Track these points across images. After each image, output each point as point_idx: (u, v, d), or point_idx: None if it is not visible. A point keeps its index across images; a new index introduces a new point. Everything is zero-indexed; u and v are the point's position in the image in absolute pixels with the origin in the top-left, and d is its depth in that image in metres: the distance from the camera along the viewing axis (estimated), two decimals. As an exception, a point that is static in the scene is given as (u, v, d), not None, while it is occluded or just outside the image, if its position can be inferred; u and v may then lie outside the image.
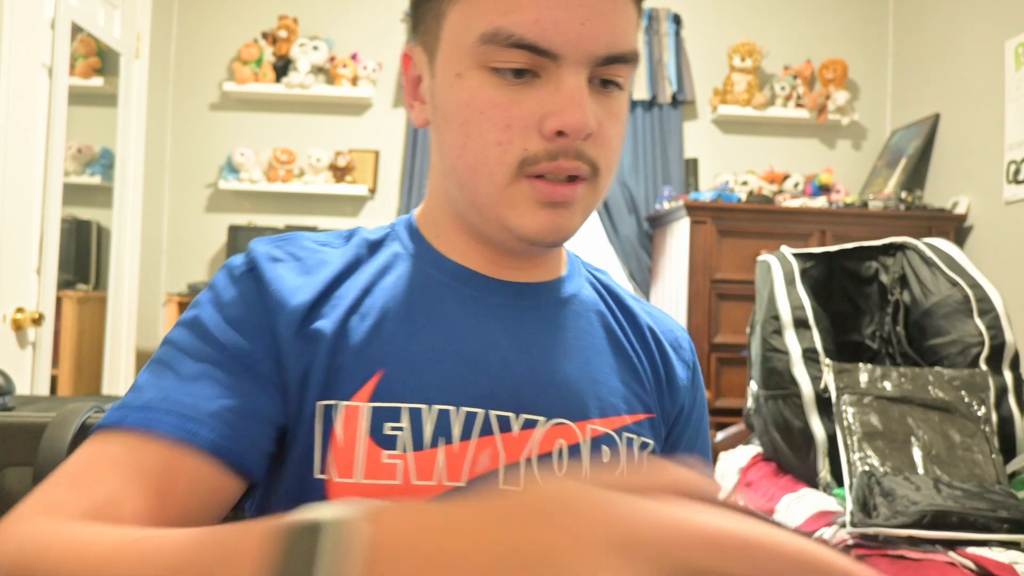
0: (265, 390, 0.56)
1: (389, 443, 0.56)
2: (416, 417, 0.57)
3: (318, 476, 0.56)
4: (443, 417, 0.58)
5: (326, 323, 0.59)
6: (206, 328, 0.57)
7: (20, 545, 0.43)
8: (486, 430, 0.59)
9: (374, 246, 0.66)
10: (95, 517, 0.46)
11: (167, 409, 0.52)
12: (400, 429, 0.57)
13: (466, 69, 0.58)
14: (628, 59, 0.58)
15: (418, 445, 0.57)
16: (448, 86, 0.59)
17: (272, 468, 0.58)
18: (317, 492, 0.56)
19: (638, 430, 0.66)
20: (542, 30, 0.55)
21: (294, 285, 0.60)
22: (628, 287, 0.75)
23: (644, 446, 0.67)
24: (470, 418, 0.58)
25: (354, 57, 3.61)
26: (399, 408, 0.57)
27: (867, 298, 2.16)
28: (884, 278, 2.14)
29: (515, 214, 0.59)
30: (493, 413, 0.59)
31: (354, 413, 0.57)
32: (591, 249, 3.66)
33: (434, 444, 0.57)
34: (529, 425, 0.60)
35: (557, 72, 0.56)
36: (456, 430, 0.58)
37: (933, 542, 1.48)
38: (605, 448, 0.63)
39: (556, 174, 0.58)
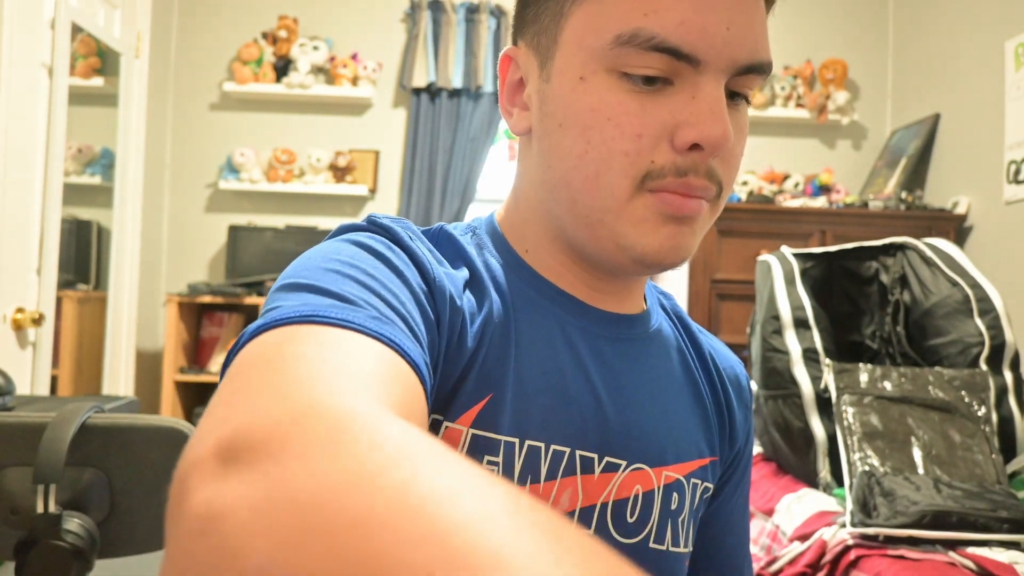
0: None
1: None
2: (509, 452, 0.54)
3: None
4: (533, 454, 0.55)
5: (471, 331, 0.55)
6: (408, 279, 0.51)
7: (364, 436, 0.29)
8: (569, 470, 0.56)
9: (475, 251, 0.61)
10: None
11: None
12: (496, 465, 0.54)
13: (591, 73, 0.53)
14: (765, 70, 0.54)
15: None
16: (568, 90, 0.54)
17: None
18: None
19: (703, 475, 0.65)
20: (687, 32, 0.50)
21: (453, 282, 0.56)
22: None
23: (706, 491, 0.66)
24: (557, 457, 0.56)
25: (354, 57, 3.61)
26: (498, 441, 0.54)
27: (867, 298, 2.16)
28: (884, 278, 2.14)
29: (636, 231, 0.54)
30: (579, 453, 0.57)
31: (455, 437, 0.53)
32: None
33: (521, 483, 0.54)
34: (610, 468, 0.58)
35: (695, 80, 0.52)
36: (543, 469, 0.55)
37: (933, 542, 1.48)
38: (675, 495, 0.62)
39: (681, 192, 0.53)
